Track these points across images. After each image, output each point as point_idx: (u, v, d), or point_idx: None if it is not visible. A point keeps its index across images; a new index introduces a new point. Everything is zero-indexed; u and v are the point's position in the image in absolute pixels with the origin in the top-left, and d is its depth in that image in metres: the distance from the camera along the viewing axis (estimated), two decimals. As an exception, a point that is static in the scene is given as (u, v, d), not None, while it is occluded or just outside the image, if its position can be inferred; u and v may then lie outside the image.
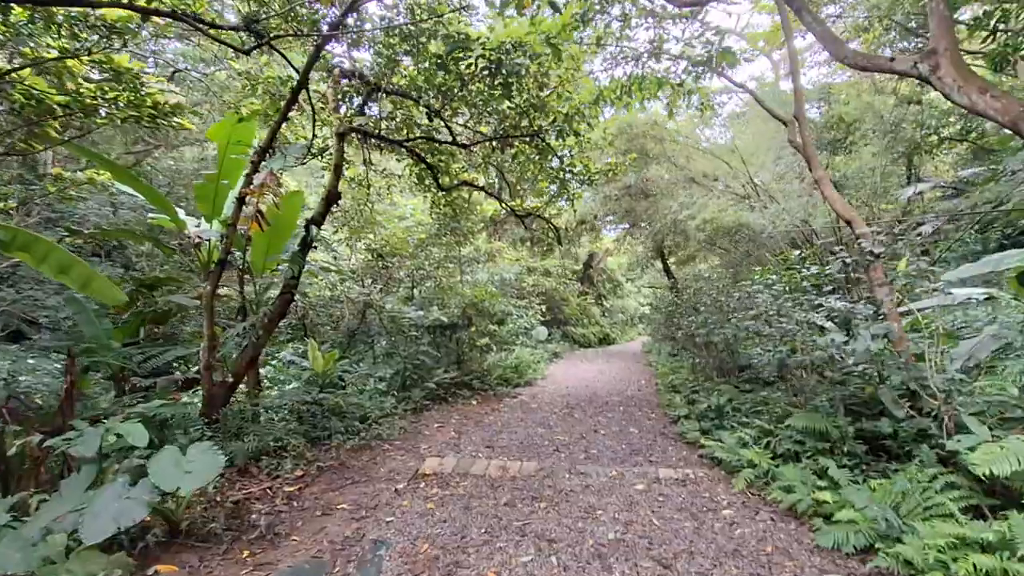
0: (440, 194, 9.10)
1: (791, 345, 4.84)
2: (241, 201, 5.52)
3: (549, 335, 19.12)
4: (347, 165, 9.72)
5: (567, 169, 8.72)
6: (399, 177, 10.63)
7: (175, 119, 6.37)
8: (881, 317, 4.47)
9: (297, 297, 11.36)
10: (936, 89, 3.97)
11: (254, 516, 3.91)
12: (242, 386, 6.02)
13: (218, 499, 4.15)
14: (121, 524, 2.84)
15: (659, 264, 24.32)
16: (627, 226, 24.89)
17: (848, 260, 4.69)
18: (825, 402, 4.65)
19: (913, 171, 12.42)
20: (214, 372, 5.56)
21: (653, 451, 5.94)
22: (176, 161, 11.87)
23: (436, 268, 10.90)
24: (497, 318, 12.45)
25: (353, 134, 7.04)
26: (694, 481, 4.60)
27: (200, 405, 5.36)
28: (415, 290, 11.50)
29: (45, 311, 7.36)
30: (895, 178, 11.05)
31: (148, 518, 3.19)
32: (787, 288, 5.76)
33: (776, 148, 10.93)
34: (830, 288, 5.91)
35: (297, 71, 5.30)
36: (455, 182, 8.23)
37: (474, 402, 8.69)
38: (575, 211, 9.39)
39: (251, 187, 5.28)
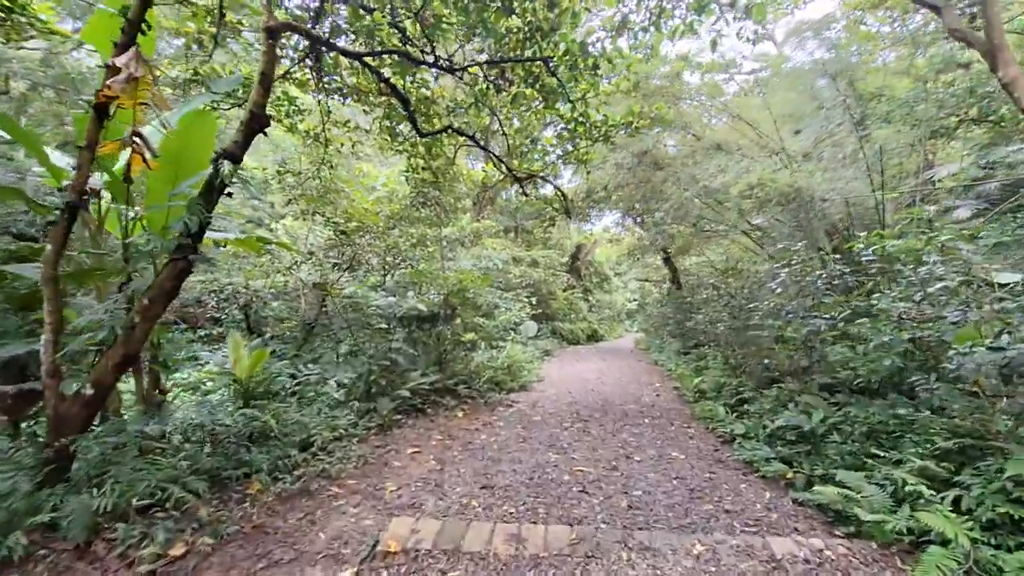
0: (419, 146, 7.16)
1: (969, 336, 3.10)
2: (101, 111, 3.51)
3: (538, 331, 17.33)
4: (301, 117, 7.76)
5: (578, 119, 6.88)
6: (367, 132, 8.65)
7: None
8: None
9: (239, 283, 9.34)
10: None
11: None
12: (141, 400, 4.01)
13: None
14: None
15: (652, 255, 22.80)
16: (620, 214, 23.30)
17: None
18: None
19: (927, 155, 10.95)
20: (63, 381, 3.59)
21: (720, 492, 4.15)
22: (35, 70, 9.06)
23: (413, 247, 8.94)
24: (484, 310, 10.57)
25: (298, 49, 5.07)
26: (838, 567, 2.80)
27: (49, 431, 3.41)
28: (387, 276, 9.52)
29: None
30: (911, 164, 9.52)
31: None
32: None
33: (809, 113, 9.31)
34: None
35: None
36: (438, 129, 6.29)
37: (460, 413, 6.78)
38: (588, 174, 7.57)
39: (110, 82, 3.28)
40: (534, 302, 16.80)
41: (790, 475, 4.22)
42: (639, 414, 7.08)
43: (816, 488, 3.63)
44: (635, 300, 37.01)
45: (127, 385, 5.13)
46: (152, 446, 4.00)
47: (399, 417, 6.13)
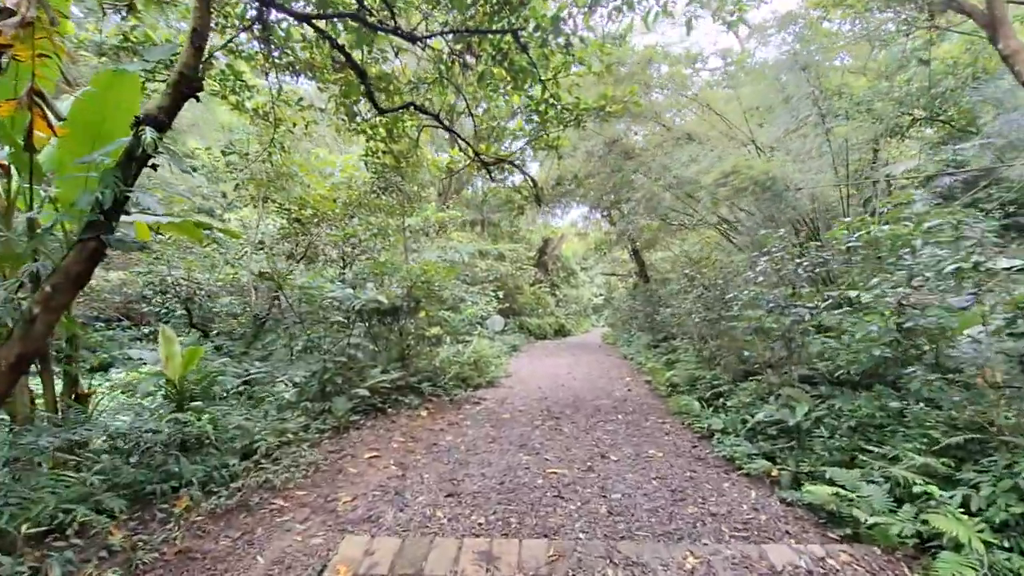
0: (379, 128, 6.65)
1: (972, 321, 2.90)
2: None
3: (505, 325, 16.98)
4: (249, 93, 7.13)
5: (549, 101, 6.53)
6: (322, 111, 8.08)
7: None
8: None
9: (180, 275, 8.55)
10: None
11: None
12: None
13: None
14: None
15: (620, 249, 22.80)
16: (588, 208, 23.22)
17: None
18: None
19: (880, 153, 11.18)
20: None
21: (703, 493, 3.88)
22: None
23: (374, 236, 8.42)
24: (450, 303, 10.13)
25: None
26: None
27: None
28: (346, 267, 8.96)
29: None
30: (867, 160, 9.64)
31: None
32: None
33: (776, 106, 9.28)
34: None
35: None
36: (399, 106, 5.80)
37: (424, 412, 6.34)
38: (559, 160, 7.22)
39: (-6, 24, 2.70)
40: (501, 296, 16.46)
41: (775, 472, 3.99)
42: (612, 410, 6.82)
43: (807, 488, 3.40)
44: (601, 295, 37.23)
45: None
46: (64, 459, 3.43)
47: (357, 418, 5.65)
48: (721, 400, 5.94)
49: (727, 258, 6.62)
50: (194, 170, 15.48)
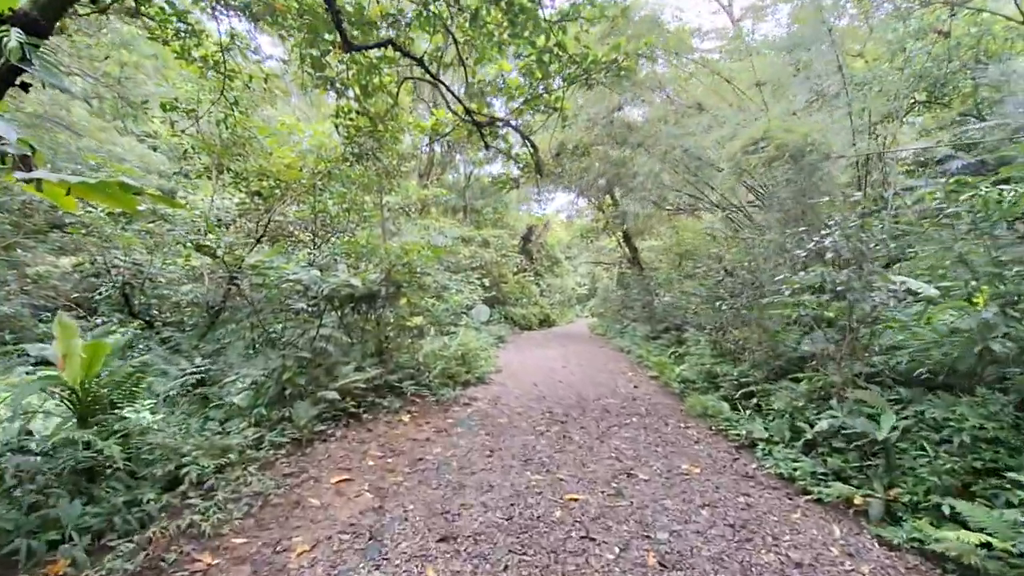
0: (353, 83, 5.57)
1: None
2: None
3: (490, 315, 16.03)
4: (197, 39, 5.98)
5: (554, 51, 5.53)
6: (285, 63, 6.97)
7: None
8: None
9: (114, 257, 7.30)
10: None
11: None
12: None
13: None
14: None
15: (605, 237, 21.95)
16: (575, 194, 22.35)
17: None
18: None
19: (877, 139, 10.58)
20: None
21: (771, 528, 3.01)
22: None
23: (347, 212, 7.34)
24: (434, 291, 9.12)
25: None
26: None
27: None
28: (317, 247, 7.86)
29: None
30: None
31: None
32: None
33: (786, 80, 8.48)
34: None
35: None
36: (374, 43, 4.72)
37: (406, 417, 5.35)
38: (563, 123, 6.23)
39: None
40: (486, 284, 15.49)
41: (858, 500, 3.14)
42: (623, 411, 5.94)
43: (918, 525, 2.56)
44: (584, 284, 36.54)
45: None
46: None
47: (323, 428, 4.61)
48: (755, 401, 5.10)
49: (761, 239, 5.75)
50: (154, 149, 14.02)
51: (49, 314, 8.59)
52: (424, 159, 15.57)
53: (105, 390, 3.53)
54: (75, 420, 3.27)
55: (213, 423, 4.26)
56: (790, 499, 3.40)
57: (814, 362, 4.24)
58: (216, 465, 3.35)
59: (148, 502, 2.84)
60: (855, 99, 6.83)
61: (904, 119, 10.11)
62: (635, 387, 7.42)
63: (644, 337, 11.50)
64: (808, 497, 3.38)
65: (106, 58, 9.62)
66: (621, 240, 16.46)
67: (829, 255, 3.75)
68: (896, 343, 3.93)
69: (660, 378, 7.76)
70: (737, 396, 5.38)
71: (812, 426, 3.86)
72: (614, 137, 8.84)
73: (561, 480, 3.76)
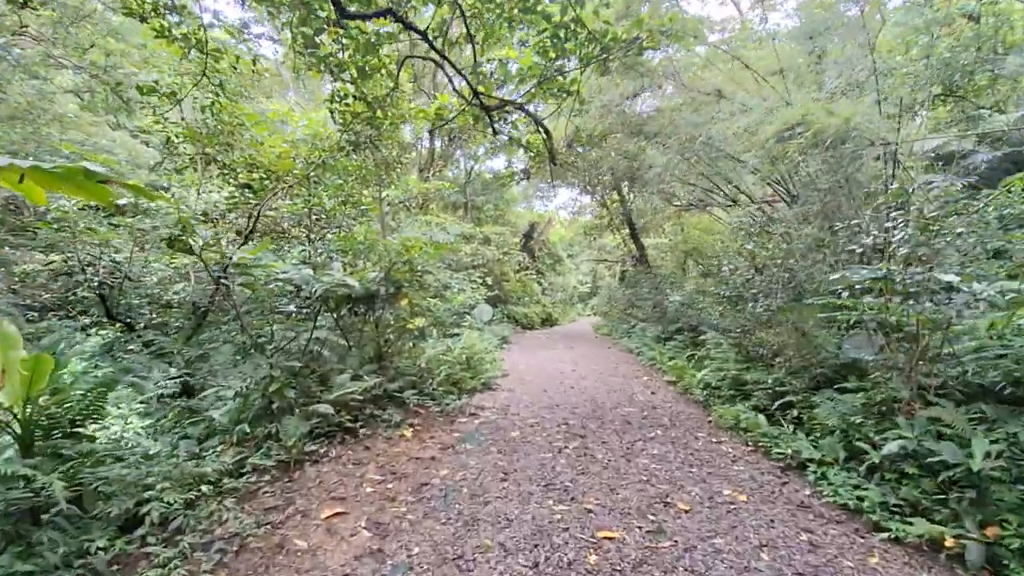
0: (349, 65, 5.04)
1: None
2: None
3: (493, 315, 15.52)
4: (179, 17, 5.46)
5: (570, 26, 5.01)
6: (274, 43, 6.44)
7: None
8: None
9: (88, 254, 6.74)
10: None
11: None
12: None
13: None
14: None
15: (609, 234, 21.41)
16: (578, 191, 21.85)
17: None
18: None
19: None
20: None
21: (842, 574, 2.51)
22: None
23: (343, 205, 6.81)
24: (435, 290, 8.61)
25: None
26: None
27: None
28: (312, 244, 7.34)
29: None
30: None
31: None
32: None
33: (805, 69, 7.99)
34: None
35: None
36: (372, 12, 4.20)
37: (408, 432, 4.83)
38: (579, 106, 5.71)
39: None
40: (488, 283, 14.98)
41: (949, 541, 2.64)
42: (644, 422, 5.43)
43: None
44: (586, 283, 36.04)
45: None
46: None
47: (315, 447, 4.10)
48: (795, 413, 4.59)
49: (798, 231, 5.22)
50: (147, 145, 13.43)
51: (36, 314, 8.09)
52: (424, 153, 15.03)
53: (60, 409, 3.02)
54: (15, 449, 2.75)
55: (190, 441, 3.75)
56: (862, 537, 2.89)
57: (875, 373, 3.73)
58: (186, 500, 2.83)
59: (94, 553, 2.33)
60: (884, 87, 6.34)
61: (924, 112, 9.63)
62: (652, 393, 6.92)
63: (654, 338, 10.98)
64: (883, 535, 2.87)
65: (91, 46, 9.09)
66: (627, 237, 15.94)
67: (902, 251, 3.24)
68: (969, 349, 3.43)
69: (679, 384, 7.25)
70: (774, 407, 4.87)
71: (876, 447, 3.36)
72: (628, 126, 8.33)
73: (589, 511, 3.25)
